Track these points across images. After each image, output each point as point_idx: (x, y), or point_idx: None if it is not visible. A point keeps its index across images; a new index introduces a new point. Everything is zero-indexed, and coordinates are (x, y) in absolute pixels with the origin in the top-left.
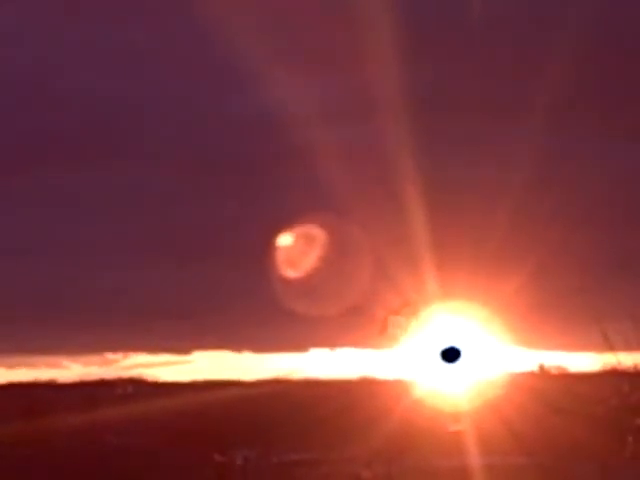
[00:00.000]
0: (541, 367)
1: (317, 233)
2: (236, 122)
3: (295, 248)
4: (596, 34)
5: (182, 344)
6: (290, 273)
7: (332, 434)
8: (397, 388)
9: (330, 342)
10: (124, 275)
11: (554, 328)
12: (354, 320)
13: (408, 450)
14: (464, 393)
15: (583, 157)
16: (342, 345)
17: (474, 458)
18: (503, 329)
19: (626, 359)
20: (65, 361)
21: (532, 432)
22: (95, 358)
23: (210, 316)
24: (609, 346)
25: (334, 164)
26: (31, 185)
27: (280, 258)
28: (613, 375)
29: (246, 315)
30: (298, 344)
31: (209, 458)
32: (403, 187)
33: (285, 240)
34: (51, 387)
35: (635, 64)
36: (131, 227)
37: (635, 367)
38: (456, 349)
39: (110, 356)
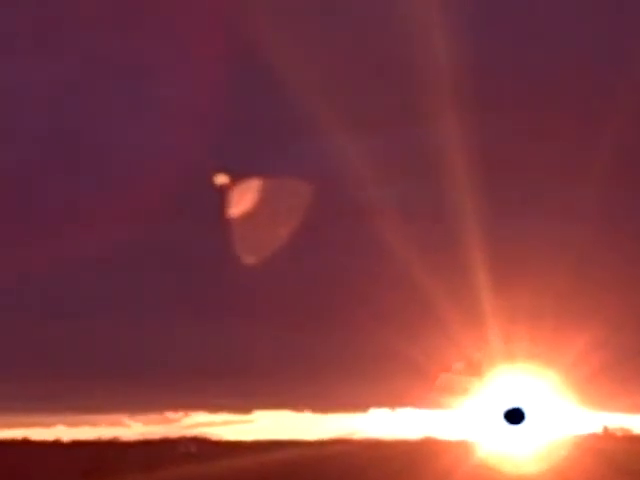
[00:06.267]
0: (605, 429)
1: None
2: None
3: None
4: None
5: (242, 403)
6: None
7: None
8: (460, 449)
9: (390, 402)
10: (184, 333)
11: (618, 389)
12: (415, 380)
13: None
14: (528, 455)
15: None
16: (403, 405)
17: None
18: (567, 390)
19: None
20: (126, 419)
21: None
22: (155, 417)
23: (270, 375)
24: None
25: (393, 224)
26: (90, 248)
27: None
28: None
29: (306, 374)
30: (358, 404)
31: None
32: (466, 245)
33: None
34: (114, 445)
35: None
36: (192, 288)
37: None
38: (520, 410)
39: (170, 415)
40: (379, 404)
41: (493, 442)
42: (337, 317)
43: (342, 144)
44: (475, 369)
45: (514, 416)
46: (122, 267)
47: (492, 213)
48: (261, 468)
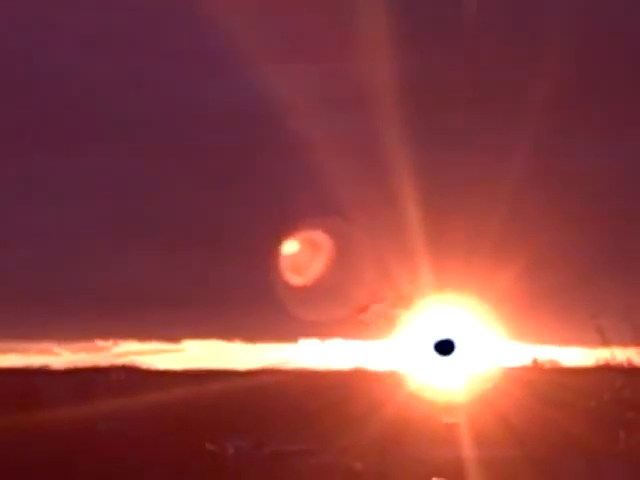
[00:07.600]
0: (534, 361)
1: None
2: (228, 110)
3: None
4: (595, 26)
5: (172, 332)
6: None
7: (325, 425)
8: (390, 380)
9: (320, 333)
10: (114, 262)
11: (548, 322)
12: (344, 311)
13: (401, 442)
14: (457, 386)
15: (579, 153)
16: (332, 336)
17: (467, 450)
18: (497, 322)
19: (619, 354)
20: (55, 347)
21: (524, 425)
22: (85, 345)
23: (200, 305)
24: (603, 341)
25: (324, 153)
26: (15, 173)
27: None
28: (606, 370)
29: (236, 304)
30: (288, 334)
31: (201, 447)
32: (396, 177)
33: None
34: (44, 373)
35: (636, 59)
36: (124, 214)
37: (628, 362)
38: (450, 341)
39: (100, 343)
40: (308, 335)
41: (423, 373)
42: (267, 246)
43: (275, 76)
44: (405, 300)
45: (444, 347)
46: (52, 195)
47: (426, 146)
48: (192, 397)
